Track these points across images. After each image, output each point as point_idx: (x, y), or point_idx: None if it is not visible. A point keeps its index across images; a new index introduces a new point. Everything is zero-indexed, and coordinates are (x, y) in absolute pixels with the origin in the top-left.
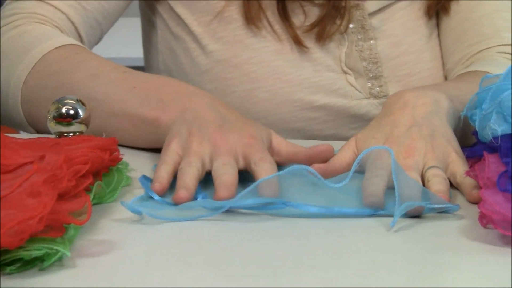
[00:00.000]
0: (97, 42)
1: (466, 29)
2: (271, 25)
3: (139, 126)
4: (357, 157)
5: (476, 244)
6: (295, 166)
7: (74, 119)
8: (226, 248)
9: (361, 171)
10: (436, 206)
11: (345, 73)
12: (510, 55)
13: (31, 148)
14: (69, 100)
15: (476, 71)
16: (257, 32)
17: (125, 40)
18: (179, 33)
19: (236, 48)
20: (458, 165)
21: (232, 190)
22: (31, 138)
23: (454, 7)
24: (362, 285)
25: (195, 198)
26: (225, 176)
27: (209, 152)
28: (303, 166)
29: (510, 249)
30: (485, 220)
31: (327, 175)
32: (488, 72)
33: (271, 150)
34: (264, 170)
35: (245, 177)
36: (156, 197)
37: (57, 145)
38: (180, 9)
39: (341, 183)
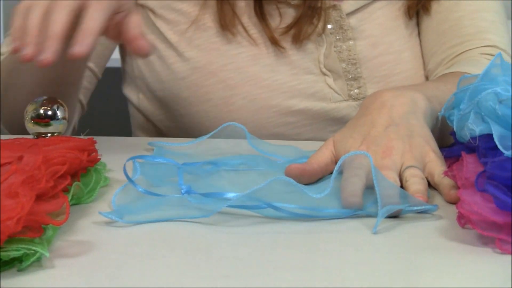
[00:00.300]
0: (95, 84)
1: (447, 29)
2: (246, 30)
3: None
4: (334, 157)
5: (455, 244)
6: (275, 177)
7: (52, 119)
8: (202, 249)
9: (339, 170)
10: (414, 208)
11: (324, 74)
12: (492, 56)
13: (9, 148)
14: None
15: (458, 72)
16: (232, 38)
17: None
18: (154, 41)
19: (212, 55)
20: (436, 165)
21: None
22: (9, 139)
23: (435, 6)
24: (341, 285)
25: (179, 191)
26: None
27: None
28: (283, 177)
29: (488, 249)
30: (463, 220)
31: (305, 175)
32: (469, 73)
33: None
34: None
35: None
36: (140, 188)
37: (35, 145)
38: (155, 19)
39: (321, 193)
